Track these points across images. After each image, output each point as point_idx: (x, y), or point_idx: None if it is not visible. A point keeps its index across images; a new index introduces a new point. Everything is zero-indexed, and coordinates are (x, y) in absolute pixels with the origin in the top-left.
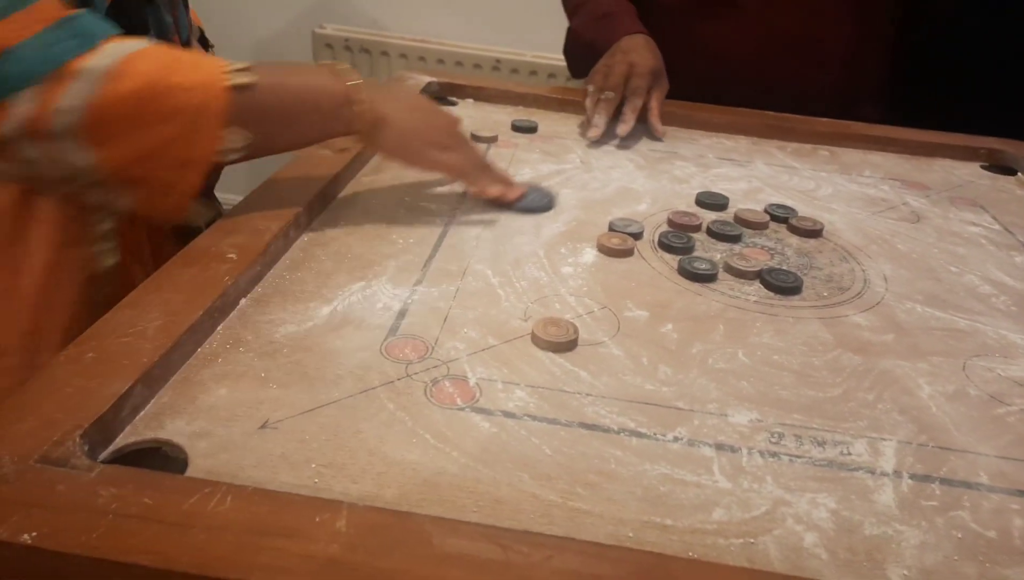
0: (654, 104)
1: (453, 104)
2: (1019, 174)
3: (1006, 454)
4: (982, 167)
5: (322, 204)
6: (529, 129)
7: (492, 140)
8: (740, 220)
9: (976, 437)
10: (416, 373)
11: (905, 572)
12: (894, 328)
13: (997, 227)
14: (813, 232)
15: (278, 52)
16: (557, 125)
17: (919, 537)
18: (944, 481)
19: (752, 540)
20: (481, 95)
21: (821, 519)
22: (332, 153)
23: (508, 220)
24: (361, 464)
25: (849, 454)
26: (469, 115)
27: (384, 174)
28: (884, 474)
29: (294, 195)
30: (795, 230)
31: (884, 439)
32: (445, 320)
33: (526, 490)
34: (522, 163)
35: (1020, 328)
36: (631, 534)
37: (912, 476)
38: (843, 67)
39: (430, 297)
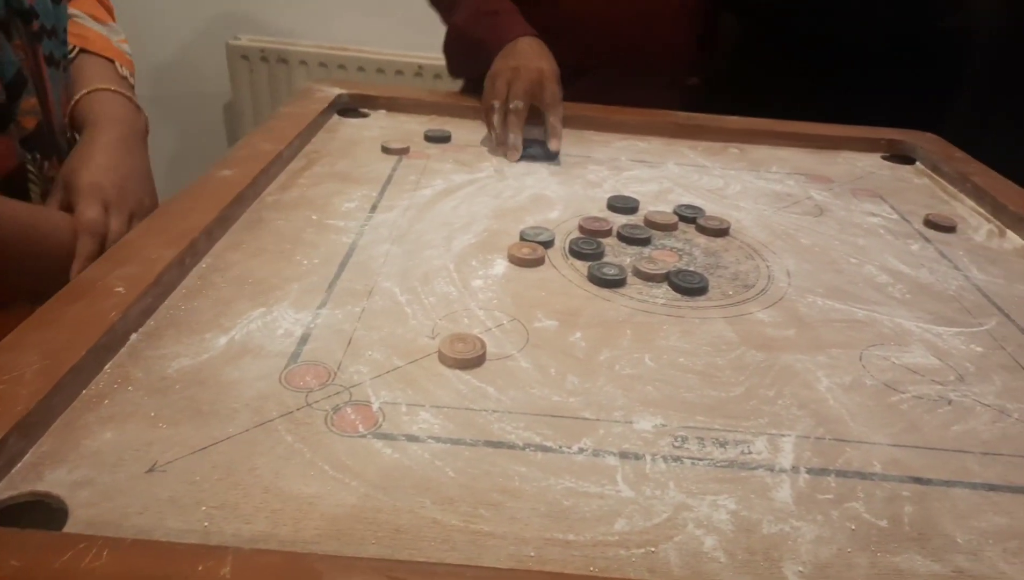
0: (556, 121)
1: (365, 116)
2: (917, 163)
3: (899, 441)
4: (883, 158)
5: (222, 228)
6: (442, 139)
7: (403, 151)
8: (650, 223)
9: (871, 427)
10: (317, 401)
11: (800, 568)
12: (796, 323)
13: (895, 216)
14: (720, 231)
15: (193, 65)
16: (472, 134)
17: (815, 532)
18: (839, 473)
19: (653, 549)
20: (394, 105)
21: (721, 521)
22: None
23: (418, 234)
24: (255, 503)
25: (750, 453)
26: (381, 126)
27: (291, 192)
28: (783, 470)
29: (191, 220)
30: (703, 230)
31: (783, 435)
32: (349, 343)
33: (427, 516)
34: (435, 173)
35: (914, 315)
36: (533, 553)
37: (809, 470)
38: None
39: (334, 320)
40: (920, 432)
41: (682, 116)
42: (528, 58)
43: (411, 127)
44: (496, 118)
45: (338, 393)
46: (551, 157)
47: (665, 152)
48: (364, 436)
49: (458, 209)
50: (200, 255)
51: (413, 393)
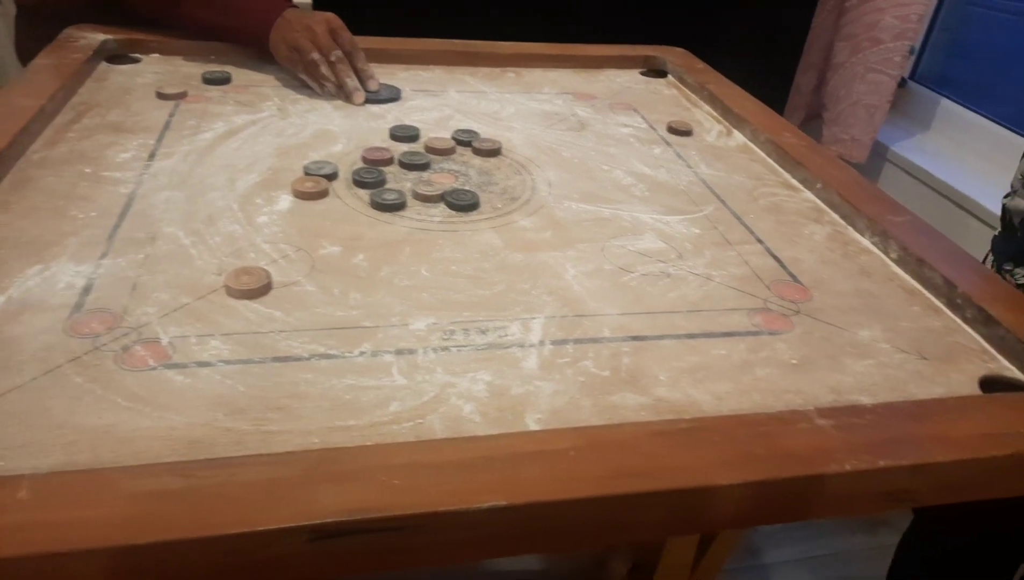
0: (363, 64)
1: (136, 61)
2: (669, 76)
3: (625, 311)
4: (641, 73)
5: None
6: (222, 80)
7: (181, 96)
8: (429, 149)
9: (604, 302)
10: (105, 345)
11: (539, 416)
12: (552, 225)
13: (644, 125)
14: (493, 151)
15: None
16: (253, 73)
17: (552, 387)
18: (577, 341)
19: (421, 421)
20: (168, 48)
21: (478, 391)
22: None
23: (200, 178)
24: (50, 439)
25: (506, 335)
26: (155, 71)
27: (59, 148)
28: (531, 345)
29: None
30: (477, 152)
31: (534, 318)
32: (134, 288)
33: (220, 426)
34: (215, 117)
35: (649, 209)
36: (317, 440)
37: (552, 342)
38: None
39: (117, 268)
40: (643, 302)
41: (460, 43)
42: (307, 17)
43: (188, 70)
44: (325, 70)
45: (126, 334)
46: (395, 95)
47: (447, 80)
48: (155, 369)
49: (241, 150)
50: None
51: (202, 326)
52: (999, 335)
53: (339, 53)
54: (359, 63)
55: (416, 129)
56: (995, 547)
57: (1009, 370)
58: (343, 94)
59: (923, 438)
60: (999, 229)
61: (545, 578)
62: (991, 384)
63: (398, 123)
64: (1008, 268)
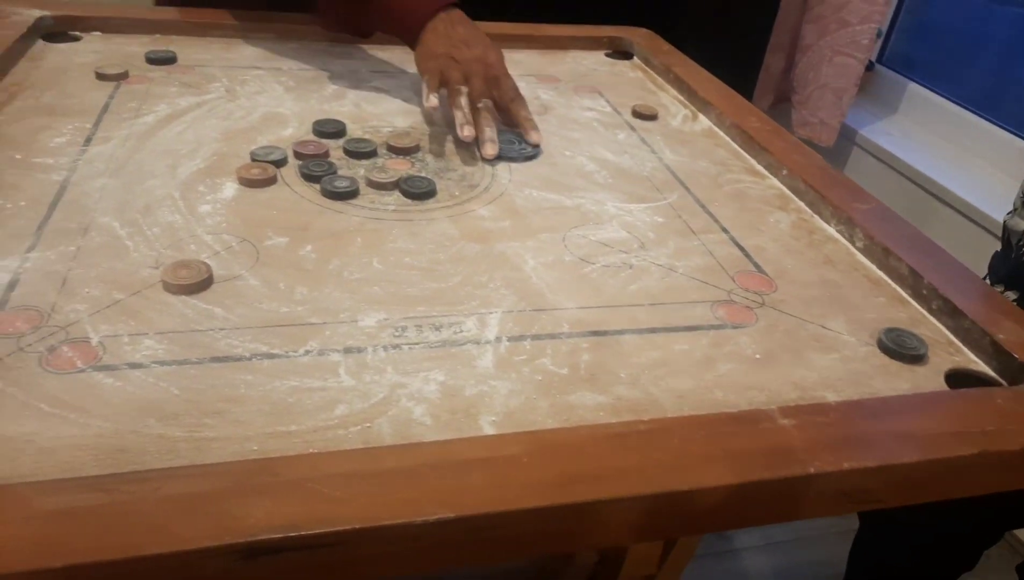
0: (527, 113)
1: (77, 39)
2: (635, 58)
3: (584, 304)
4: (606, 55)
5: None
6: (166, 60)
7: (122, 77)
8: (392, 148)
9: (564, 296)
10: (30, 345)
11: (493, 418)
12: (511, 215)
13: (608, 109)
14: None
15: None
16: (199, 53)
17: (508, 387)
18: (534, 337)
19: (369, 425)
20: (109, 26)
21: (430, 392)
22: None
23: (139, 164)
24: None
25: (461, 332)
26: (96, 50)
27: None
28: (487, 342)
29: None
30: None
31: (491, 313)
32: (64, 283)
33: (151, 433)
34: (158, 99)
35: (612, 196)
36: (255, 447)
37: (509, 338)
38: None
39: (45, 262)
40: (603, 294)
41: None
42: (468, 44)
43: (130, 49)
44: (464, 100)
45: (53, 334)
46: (531, 154)
47: (406, 60)
48: (83, 371)
49: (184, 134)
50: None
51: (136, 324)
52: (964, 327)
53: (489, 103)
54: (523, 110)
55: (342, 124)
56: (945, 548)
57: (975, 363)
58: (476, 138)
59: (887, 437)
60: (1000, 247)
61: (509, 573)
62: (957, 379)
63: (355, 108)
64: (999, 290)
